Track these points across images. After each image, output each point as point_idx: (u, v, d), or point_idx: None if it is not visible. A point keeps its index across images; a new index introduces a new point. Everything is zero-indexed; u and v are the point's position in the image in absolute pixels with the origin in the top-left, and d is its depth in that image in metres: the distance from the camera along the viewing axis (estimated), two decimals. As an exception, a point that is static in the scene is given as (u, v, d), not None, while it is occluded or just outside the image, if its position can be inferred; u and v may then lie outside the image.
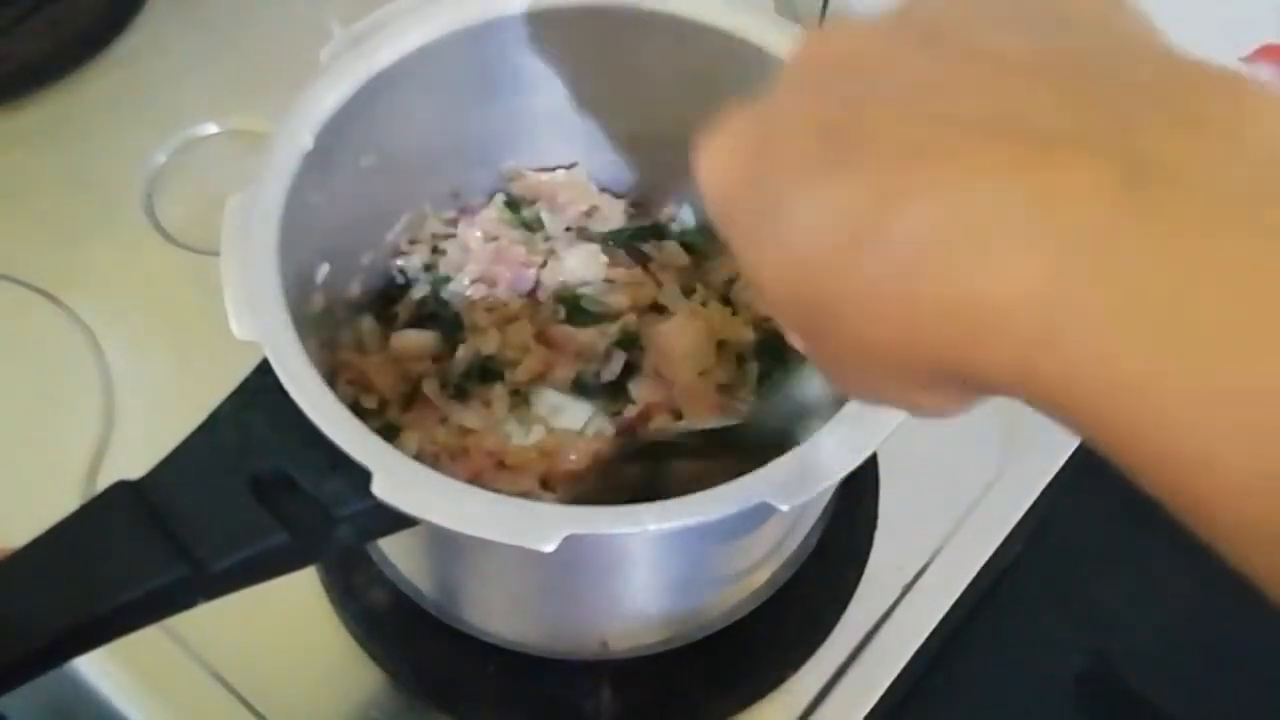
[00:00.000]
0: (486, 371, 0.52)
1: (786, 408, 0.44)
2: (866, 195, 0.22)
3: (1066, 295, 0.20)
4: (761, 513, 0.37)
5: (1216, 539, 0.20)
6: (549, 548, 0.35)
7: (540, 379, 0.53)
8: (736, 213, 0.25)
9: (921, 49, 0.24)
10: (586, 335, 0.53)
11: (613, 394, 0.52)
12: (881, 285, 0.22)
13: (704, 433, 0.49)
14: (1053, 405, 0.21)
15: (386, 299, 0.54)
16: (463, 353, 0.52)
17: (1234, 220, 0.19)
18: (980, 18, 0.24)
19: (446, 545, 0.45)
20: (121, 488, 0.38)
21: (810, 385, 0.43)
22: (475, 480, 0.49)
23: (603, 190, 0.56)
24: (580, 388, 0.53)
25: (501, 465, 0.50)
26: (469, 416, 0.51)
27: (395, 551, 0.50)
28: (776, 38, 0.45)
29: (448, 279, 0.54)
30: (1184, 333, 0.19)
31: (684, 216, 0.56)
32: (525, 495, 0.48)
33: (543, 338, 0.53)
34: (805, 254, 0.23)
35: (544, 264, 0.54)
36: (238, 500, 0.38)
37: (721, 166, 0.26)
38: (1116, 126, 0.21)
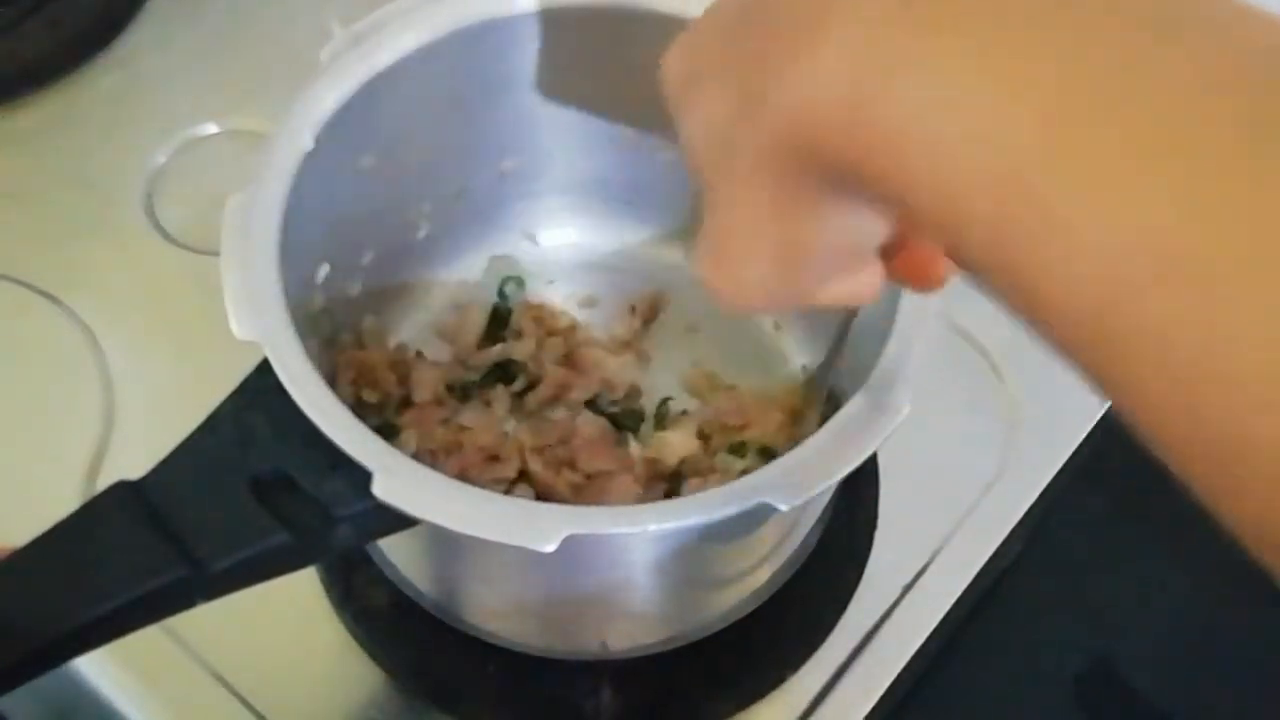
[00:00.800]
0: (503, 373, 0.53)
1: None
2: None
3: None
4: (761, 513, 0.37)
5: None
6: (549, 548, 0.36)
7: (554, 400, 0.53)
8: (675, 93, 0.33)
9: None
10: (614, 363, 0.53)
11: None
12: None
13: None
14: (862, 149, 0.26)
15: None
16: (499, 351, 0.53)
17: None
18: None
19: (446, 545, 0.45)
20: (121, 488, 0.38)
21: None
22: (464, 472, 0.49)
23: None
24: (590, 406, 0.53)
25: (493, 459, 0.50)
26: (469, 416, 0.52)
27: (395, 551, 0.50)
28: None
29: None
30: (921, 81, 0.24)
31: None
32: (512, 483, 0.49)
33: (568, 359, 0.53)
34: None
35: None
36: (238, 500, 0.38)
37: (673, 69, 0.34)
38: None
